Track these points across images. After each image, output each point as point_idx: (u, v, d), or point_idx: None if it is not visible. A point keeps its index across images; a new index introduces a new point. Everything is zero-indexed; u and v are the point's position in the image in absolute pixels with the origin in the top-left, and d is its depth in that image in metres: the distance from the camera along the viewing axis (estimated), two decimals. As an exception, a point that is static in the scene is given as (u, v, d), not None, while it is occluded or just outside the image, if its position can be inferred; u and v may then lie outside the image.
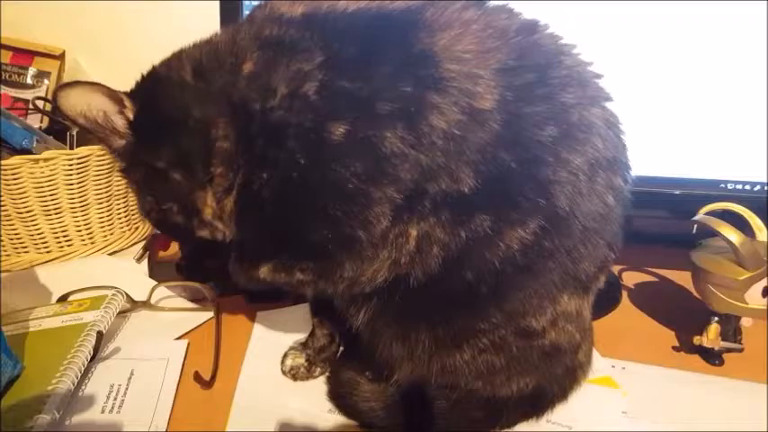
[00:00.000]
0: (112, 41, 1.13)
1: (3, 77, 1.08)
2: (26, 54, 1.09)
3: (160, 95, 0.54)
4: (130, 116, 0.54)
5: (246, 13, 0.78)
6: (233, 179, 0.53)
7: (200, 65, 0.53)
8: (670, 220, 0.78)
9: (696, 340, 0.69)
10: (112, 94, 0.54)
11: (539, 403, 0.58)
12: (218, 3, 0.82)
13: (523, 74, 0.49)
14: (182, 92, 0.53)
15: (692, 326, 0.71)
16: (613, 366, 0.68)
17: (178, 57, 0.55)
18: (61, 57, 1.10)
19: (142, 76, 0.57)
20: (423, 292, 0.51)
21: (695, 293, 0.72)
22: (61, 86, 0.53)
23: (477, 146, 0.48)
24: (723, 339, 0.68)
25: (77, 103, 0.53)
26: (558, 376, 0.57)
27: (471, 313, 0.52)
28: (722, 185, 0.76)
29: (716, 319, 0.68)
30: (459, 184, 0.48)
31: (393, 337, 0.56)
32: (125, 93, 0.55)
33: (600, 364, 0.66)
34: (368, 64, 0.48)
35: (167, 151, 0.54)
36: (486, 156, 0.48)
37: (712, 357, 0.69)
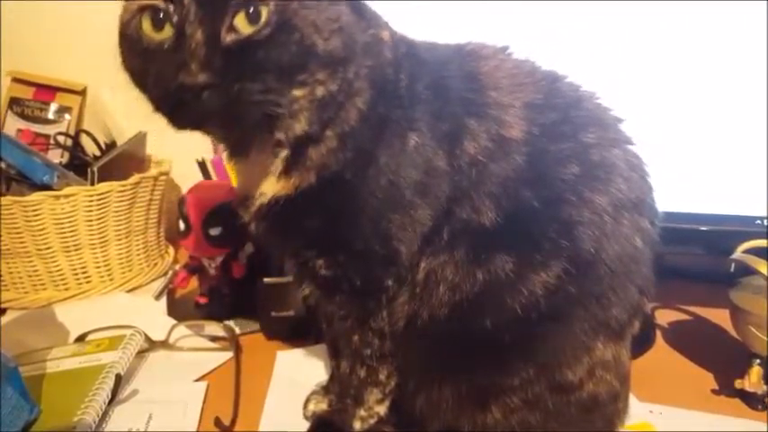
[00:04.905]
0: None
1: (25, 113, 1.10)
2: (48, 90, 1.10)
3: None
4: None
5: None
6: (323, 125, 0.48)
7: None
8: (705, 258, 0.76)
9: (738, 384, 0.66)
10: None
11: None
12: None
13: (548, 112, 0.51)
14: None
15: (732, 368, 0.67)
16: (651, 411, 0.65)
17: None
18: (83, 92, 1.11)
19: None
20: (440, 340, 0.50)
21: (733, 333, 0.69)
22: None
23: (499, 177, 0.48)
24: (766, 383, 0.65)
25: None
26: (597, 427, 0.54)
27: (497, 367, 0.50)
28: (757, 222, 0.74)
29: (758, 361, 0.65)
30: (480, 216, 0.48)
31: (415, 392, 0.54)
32: None
33: (637, 408, 0.63)
34: (439, 81, 0.51)
35: None
36: (507, 190, 0.48)
37: (755, 402, 0.66)
